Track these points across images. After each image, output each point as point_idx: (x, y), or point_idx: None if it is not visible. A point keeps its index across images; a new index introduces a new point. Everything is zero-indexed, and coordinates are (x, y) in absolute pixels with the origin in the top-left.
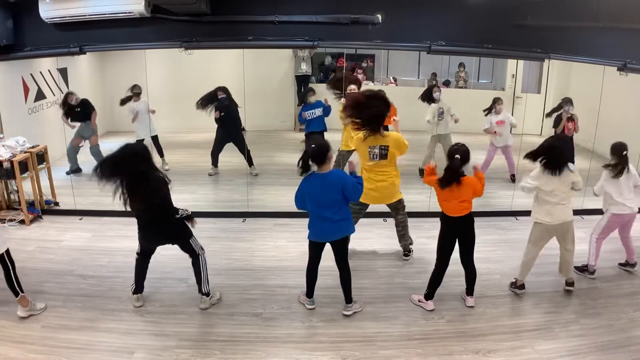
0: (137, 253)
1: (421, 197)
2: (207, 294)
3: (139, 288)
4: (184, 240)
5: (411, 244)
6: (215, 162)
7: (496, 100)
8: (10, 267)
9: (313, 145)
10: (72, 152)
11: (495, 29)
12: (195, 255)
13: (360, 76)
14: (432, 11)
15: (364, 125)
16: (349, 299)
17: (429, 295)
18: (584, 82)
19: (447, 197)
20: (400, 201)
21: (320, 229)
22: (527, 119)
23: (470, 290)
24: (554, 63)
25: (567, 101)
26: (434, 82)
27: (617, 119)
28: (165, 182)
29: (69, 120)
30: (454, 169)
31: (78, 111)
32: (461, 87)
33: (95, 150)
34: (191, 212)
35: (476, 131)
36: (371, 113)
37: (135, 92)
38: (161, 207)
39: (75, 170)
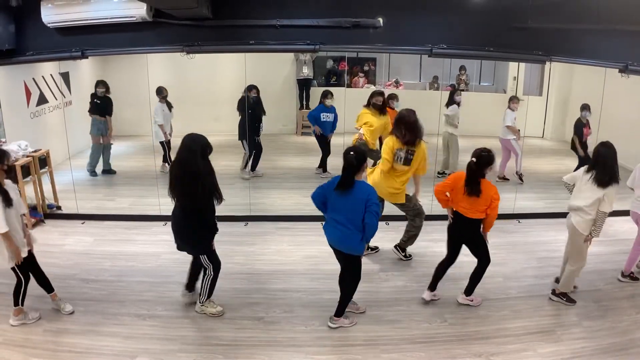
0: None
1: (425, 200)
2: (202, 303)
3: (187, 285)
4: (196, 253)
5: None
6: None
7: (512, 99)
8: (23, 281)
9: (352, 153)
10: (96, 150)
11: (497, 31)
12: (204, 269)
13: (361, 79)
14: (433, 14)
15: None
16: (336, 312)
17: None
18: (585, 84)
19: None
20: (405, 204)
21: (331, 232)
22: (529, 122)
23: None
24: (556, 65)
25: (585, 107)
26: (456, 86)
27: (618, 121)
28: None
29: (89, 110)
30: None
31: (98, 103)
32: (462, 90)
33: (108, 148)
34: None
35: (477, 133)
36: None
37: (162, 95)
38: (199, 208)
39: (93, 172)
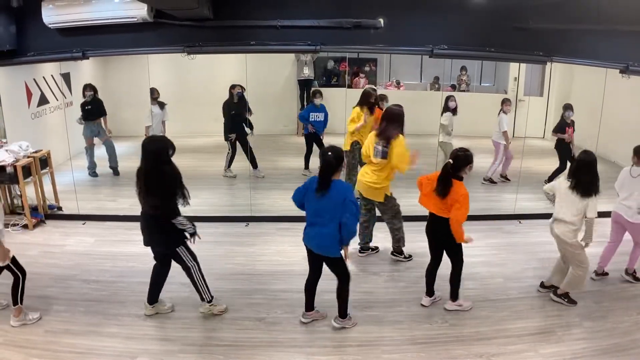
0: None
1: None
2: (210, 301)
3: (150, 297)
4: (172, 248)
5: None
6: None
7: (505, 101)
8: (21, 277)
9: (330, 153)
10: (89, 152)
11: (497, 32)
12: (186, 267)
13: (362, 80)
14: (434, 15)
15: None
16: (340, 314)
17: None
18: (586, 84)
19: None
20: (384, 203)
21: (308, 233)
22: (530, 122)
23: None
24: (556, 66)
25: (567, 107)
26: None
27: (619, 121)
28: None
29: (81, 116)
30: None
31: (89, 109)
32: (463, 91)
33: (109, 146)
34: (194, 229)
35: (478, 134)
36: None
37: (153, 97)
38: (162, 204)
39: (93, 172)
